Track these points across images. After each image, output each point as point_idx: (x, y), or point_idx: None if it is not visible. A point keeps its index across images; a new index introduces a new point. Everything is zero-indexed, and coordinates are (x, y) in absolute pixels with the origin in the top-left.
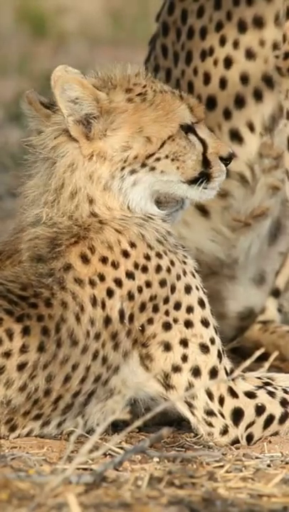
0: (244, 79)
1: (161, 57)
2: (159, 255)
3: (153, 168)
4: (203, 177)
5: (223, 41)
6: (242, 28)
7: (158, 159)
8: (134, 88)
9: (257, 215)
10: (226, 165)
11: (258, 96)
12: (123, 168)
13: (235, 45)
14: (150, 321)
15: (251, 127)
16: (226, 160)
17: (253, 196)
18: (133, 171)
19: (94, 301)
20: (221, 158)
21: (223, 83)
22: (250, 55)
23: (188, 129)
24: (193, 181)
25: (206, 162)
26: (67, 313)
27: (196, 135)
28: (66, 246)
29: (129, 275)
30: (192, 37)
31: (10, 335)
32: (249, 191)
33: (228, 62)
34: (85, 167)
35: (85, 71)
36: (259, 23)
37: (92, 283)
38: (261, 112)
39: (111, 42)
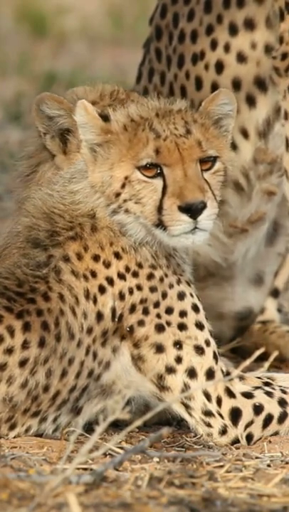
0: (236, 84)
1: (155, 61)
2: (152, 266)
3: (127, 211)
4: (161, 224)
5: (214, 45)
6: (233, 30)
7: (125, 200)
8: (132, 122)
9: (254, 220)
10: (192, 215)
11: (250, 101)
12: (108, 206)
13: (227, 48)
14: (141, 323)
15: (245, 134)
16: (186, 210)
17: (249, 203)
18: (114, 211)
19: (87, 295)
20: (181, 208)
21: (215, 89)
22: (241, 58)
23: (156, 172)
24: (157, 226)
25: (160, 208)
26: (64, 307)
27: (164, 179)
28: (65, 238)
29: (121, 276)
30: (183, 41)
31: (11, 332)
32: (245, 198)
33: (220, 67)
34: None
35: (85, 71)
36: (250, 25)
37: (85, 277)
38: (255, 117)
39: (111, 42)
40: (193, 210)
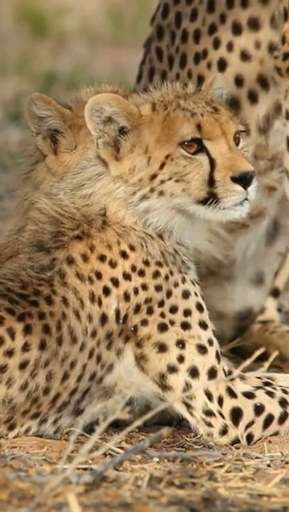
0: (238, 81)
1: (156, 60)
2: (159, 264)
3: (162, 193)
4: (212, 197)
5: (216, 44)
6: (236, 30)
7: (162, 181)
8: (158, 104)
9: (254, 215)
10: (245, 185)
11: (252, 98)
12: (134, 193)
13: (230, 47)
14: (144, 322)
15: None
16: (239, 180)
17: None
18: (143, 197)
19: (92, 298)
20: (234, 179)
21: None
22: (245, 57)
23: (198, 148)
24: (203, 202)
25: (211, 181)
26: (67, 310)
27: (208, 153)
28: (70, 238)
29: (126, 276)
30: (186, 40)
31: (12, 334)
32: None
33: (222, 65)
34: (108, 183)
35: (85, 71)
36: (255, 25)
37: (90, 279)
38: (256, 113)
39: (111, 42)
40: (247, 180)
